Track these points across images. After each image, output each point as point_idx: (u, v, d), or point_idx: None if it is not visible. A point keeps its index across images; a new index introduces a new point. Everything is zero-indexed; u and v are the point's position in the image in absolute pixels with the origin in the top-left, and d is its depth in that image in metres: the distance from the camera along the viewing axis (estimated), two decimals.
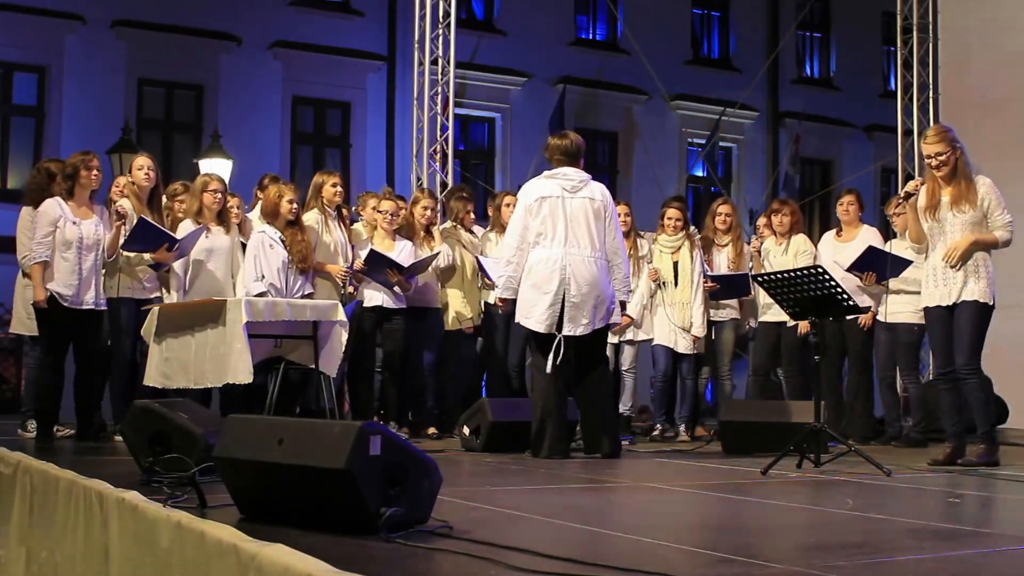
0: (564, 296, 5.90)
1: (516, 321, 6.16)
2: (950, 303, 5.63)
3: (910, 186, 5.81)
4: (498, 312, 7.53)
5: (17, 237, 6.89)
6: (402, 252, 7.33)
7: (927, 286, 5.79)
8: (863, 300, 7.30)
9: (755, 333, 8.18)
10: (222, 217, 6.94)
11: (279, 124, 16.01)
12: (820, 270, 5.43)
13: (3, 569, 4.48)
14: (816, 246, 7.97)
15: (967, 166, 5.66)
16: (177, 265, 6.77)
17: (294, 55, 16.05)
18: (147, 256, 6.62)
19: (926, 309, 5.80)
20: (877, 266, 7.18)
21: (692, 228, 8.15)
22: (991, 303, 5.62)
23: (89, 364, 6.61)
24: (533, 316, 5.93)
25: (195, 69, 15.54)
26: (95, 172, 6.56)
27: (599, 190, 6.13)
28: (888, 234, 7.98)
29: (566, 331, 5.91)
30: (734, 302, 8.04)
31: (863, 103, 19.46)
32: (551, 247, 5.94)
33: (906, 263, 7.13)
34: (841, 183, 16.81)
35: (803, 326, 7.60)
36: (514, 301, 6.14)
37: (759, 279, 5.92)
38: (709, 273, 7.89)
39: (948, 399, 5.77)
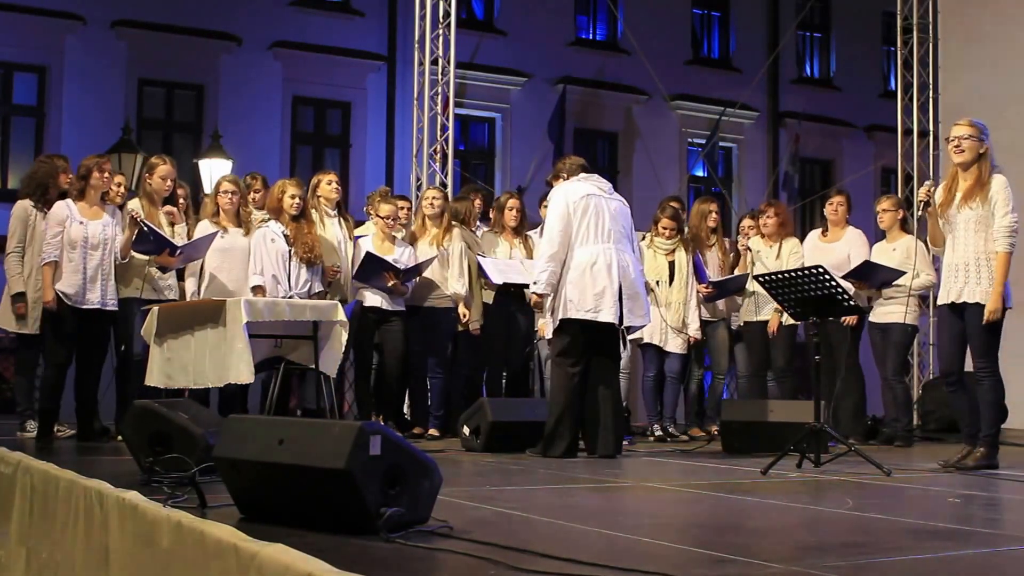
0: (620, 289, 5.96)
1: (563, 318, 6.01)
2: (958, 302, 5.60)
3: (921, 193, 5.76)
4: (499, 312, 7.54)
5: (9, 228, 6.88)
6: (401, 256, 7.33)
7: (942, 284, 5.75)
8: (858, 301, 7.29)
9: (741, 333, 8.16)
10: (240, 218, 7.00)
11: (279, 124, 16.00)
12: (821, 270, 5.43)
13: (3, 569, 4.48)
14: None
15: (990, 163, 5.57)
16: (190, 267, 6.84)
17: (294, 55, 16.04)
18: (151, 259, 6.64)
19: (938, 307, 5.79)
20: (869, 278, 7.21)
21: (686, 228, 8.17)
22: (1002, 303, 5.50)
23: (92, 365, 6.60)
24: (604, 308, 5.91)
25: (195, 69, 15.53)
26: (107, 175, 6.64)
27: (622, 198, 6.33)
28: (875, 235, 7.98)
29: (627, 321, 6.06)
30: (722, 302, 8.07)
31: (863, 103, 19.45)
32: (599, 243, 5.98)
33: (898, 274, 7.14)
34: (841, 183, 16.81)
35: (772, 324, 7.61)
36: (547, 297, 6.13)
37: (760, 279, 5.92)
38: (711, 280, 7.87)
39: (957, 401, 5.75)
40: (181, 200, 7.21)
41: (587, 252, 5.96)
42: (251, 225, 7.05)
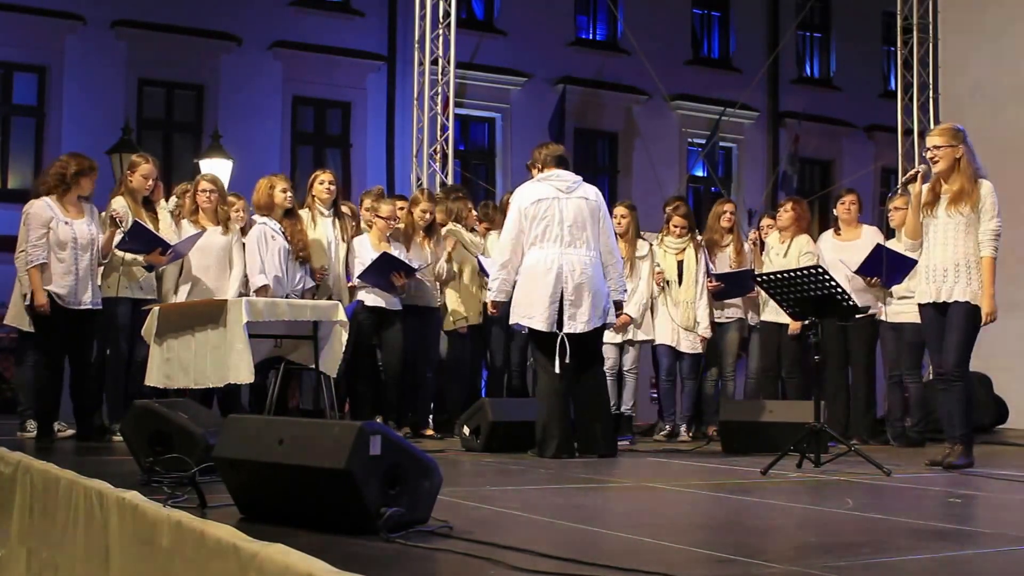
0: (562, 295, 5.93)
1: (512, 323, 6.16)
2: (940, 301, 5.62)
3: (910, 174, 5.79)
4: (500, 312, 7.53)
5: (20, 230, 6.85)
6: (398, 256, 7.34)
7: (920, 284, 5.79)
8: (866, 300, 7.29)
9: (756, 332, 8.15)
10: (218, 216, 6.97)
11: (279, 124, 16.01)
12: (820, 270, 5.42)
13: (3, 569, 4.48)
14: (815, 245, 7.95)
15: (974, 168, 5.59)
16: (171, 266, 6.81)
17: (294, 55, 16.05)
18: (140, 257, 6.62)
19: (920, 307, 5.81)
20: (883, 269, 7.17)
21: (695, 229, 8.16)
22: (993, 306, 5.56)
23: (87, 365, 6.60)
24: (536, 316, 5.96)
25: (195, 69, 15.54)
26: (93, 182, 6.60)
27: (592, 191, 6.22)
28: (887, 234, 7.98)
29: (567, 329, 5.95)
30: (739, 302, 8.03)
31: (863, 103, 19.46)
32: (547, 247, 5.98)
33: (911, 263, 7.11)
34: (841, 183, 16.81)
35: (793, 326, 7.59)
36: (505, 304, 6.18)
37: (759, 279, 5.92)
38: (714, 272, 7.88)
39: (946, 400, 5.77)
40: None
41: (531, 257, 6.00)
42: (229, 224, 7.01)
